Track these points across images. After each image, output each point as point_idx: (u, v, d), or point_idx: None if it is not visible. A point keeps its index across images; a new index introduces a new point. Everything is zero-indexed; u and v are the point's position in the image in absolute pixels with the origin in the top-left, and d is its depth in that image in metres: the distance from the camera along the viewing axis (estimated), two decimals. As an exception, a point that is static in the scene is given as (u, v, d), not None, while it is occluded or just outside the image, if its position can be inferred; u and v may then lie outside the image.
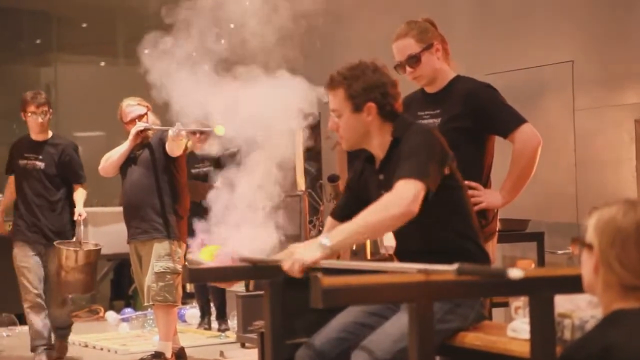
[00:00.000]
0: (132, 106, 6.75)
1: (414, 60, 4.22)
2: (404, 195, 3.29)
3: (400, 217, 3.30)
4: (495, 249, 4.30)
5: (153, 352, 6.68)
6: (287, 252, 3.59)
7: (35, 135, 7.15)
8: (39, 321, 7.04)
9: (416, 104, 4.33)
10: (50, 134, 7.21)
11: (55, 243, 6.99)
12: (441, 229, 3.50)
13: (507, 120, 4.20)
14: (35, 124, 7.06)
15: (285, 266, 3.39)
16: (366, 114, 3.55)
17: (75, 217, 7.08)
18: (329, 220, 3.87)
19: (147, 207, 6.58)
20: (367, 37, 8.61)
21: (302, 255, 3.37)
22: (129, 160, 6.71)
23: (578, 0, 7.70)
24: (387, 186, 3.46)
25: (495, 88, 4.29)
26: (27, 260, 7.05)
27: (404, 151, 3.44)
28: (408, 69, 4.24)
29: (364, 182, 3.73)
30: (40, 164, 7.09)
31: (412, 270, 2.75)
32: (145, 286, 6.58)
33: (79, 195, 7.17)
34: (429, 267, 2.70)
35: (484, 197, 4.17)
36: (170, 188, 6.62)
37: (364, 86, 3.53)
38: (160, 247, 6.56)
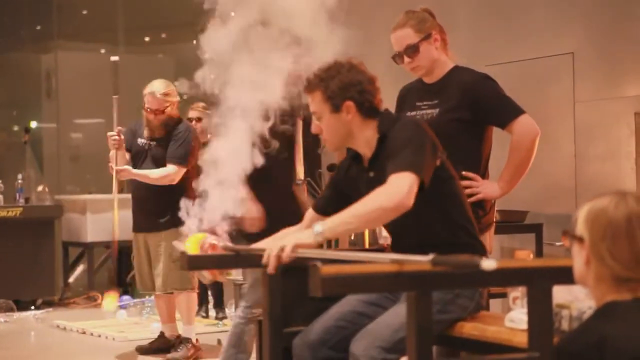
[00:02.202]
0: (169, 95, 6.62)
1: (412, 50, 4.22)
2: (398, 189, 3.25)
3: (393, 209, 3.26)
4: (492, 240, 4.31)
5: (179, 338, 6.70)
6: (277, 237, 3.58)
7: None
8: None
9: (414, 94, 4.33)
10: None
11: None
12: (434, 221, 3.48)
13: (505, 112, 4.20)
14: None
15: (264, 258, 3.33)
16: (345, 113, 3.51)
17: None
18: (308, 213, 3.83)
19: (158, 200, 6.54)
20: (366, 28, 8.60)
21: (294, 239, 3.32)
22: (140, 154, 6.69)
23: (579, -8, 7.69)
24: (378, 183, 3.40)
25: (493, 79, 4.28)
26: None
27: (394, 146, 3.40)
28: (406, 59, 4.24)
29: (350, 180, 3.69)
30: None
31: (385, 260, 2.74)
32: (158, 276, 6.61)
33: None
34: (403, 258, 2.69)
35: (482, 187, 4.17)
36: (182, 182, 6.60)
37: (340, 85, 3.49)
38: (175, 236, 6.56)
